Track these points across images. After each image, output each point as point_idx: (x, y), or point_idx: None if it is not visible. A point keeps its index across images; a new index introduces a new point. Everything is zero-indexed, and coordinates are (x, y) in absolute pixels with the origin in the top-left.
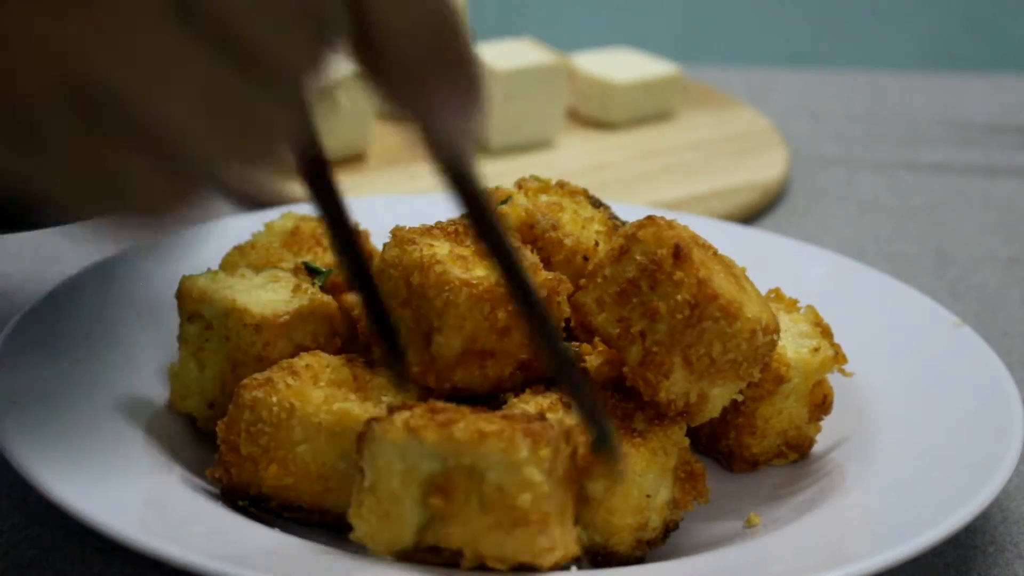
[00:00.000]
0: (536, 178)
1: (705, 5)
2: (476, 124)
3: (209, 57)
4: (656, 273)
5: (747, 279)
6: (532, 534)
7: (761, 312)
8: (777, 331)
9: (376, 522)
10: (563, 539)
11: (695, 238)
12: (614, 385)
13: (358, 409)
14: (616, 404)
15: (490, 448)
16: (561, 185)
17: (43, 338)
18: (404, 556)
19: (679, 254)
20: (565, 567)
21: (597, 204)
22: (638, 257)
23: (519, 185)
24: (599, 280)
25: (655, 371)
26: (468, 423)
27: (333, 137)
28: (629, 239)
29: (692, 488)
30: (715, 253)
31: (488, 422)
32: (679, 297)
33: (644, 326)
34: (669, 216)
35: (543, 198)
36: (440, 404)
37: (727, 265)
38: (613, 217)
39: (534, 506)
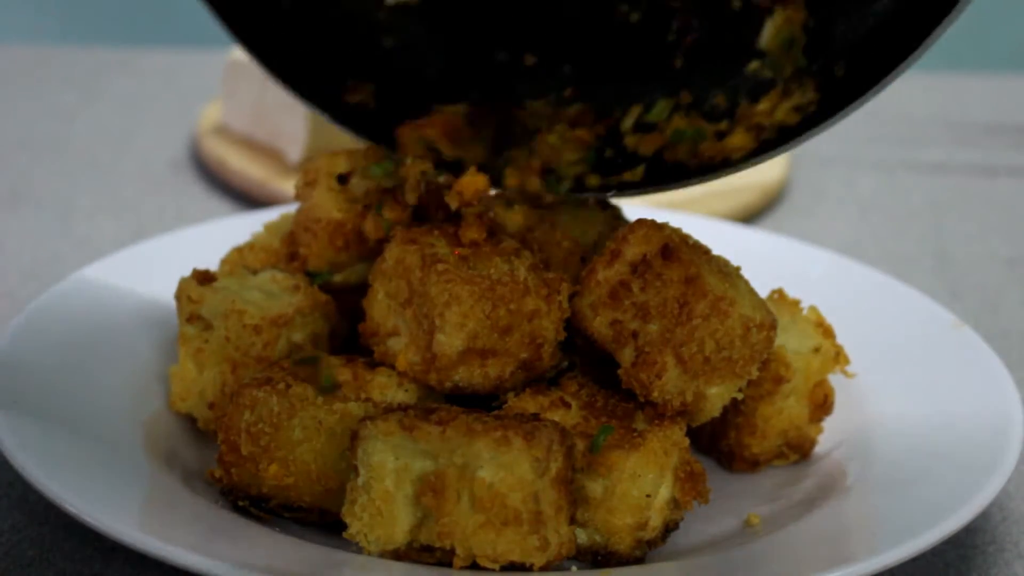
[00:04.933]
0: None
1: None
2: None
3: None
4: (646, 274)
5: (741, 278)
6: (523, 533)
7: (755, 310)
8: (773, 328)
9: (369, 520)
10: (556, 538)
11: (685, 238)
12: (614, 385)
13: (358, 409)
14: (616, 404)
15: (482, 446)
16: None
17: (43, 338)
18: (398, 555)
19: (667, 254)
20: (564, 567)
21: (605, 206)
22: (629, 259)
23: None
24: (592, 285)
25: (648, 371)
26: (460, 422)
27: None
28: (620, 242)
29: (692, 488)
30: (707, 253)
31: (480, 421)
32: (668, 296)
33: (636, 327)
34: (668, 216)
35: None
36: (434, 404)
37: (720, 264)
38: (618, 218)
39: (525, 505)
